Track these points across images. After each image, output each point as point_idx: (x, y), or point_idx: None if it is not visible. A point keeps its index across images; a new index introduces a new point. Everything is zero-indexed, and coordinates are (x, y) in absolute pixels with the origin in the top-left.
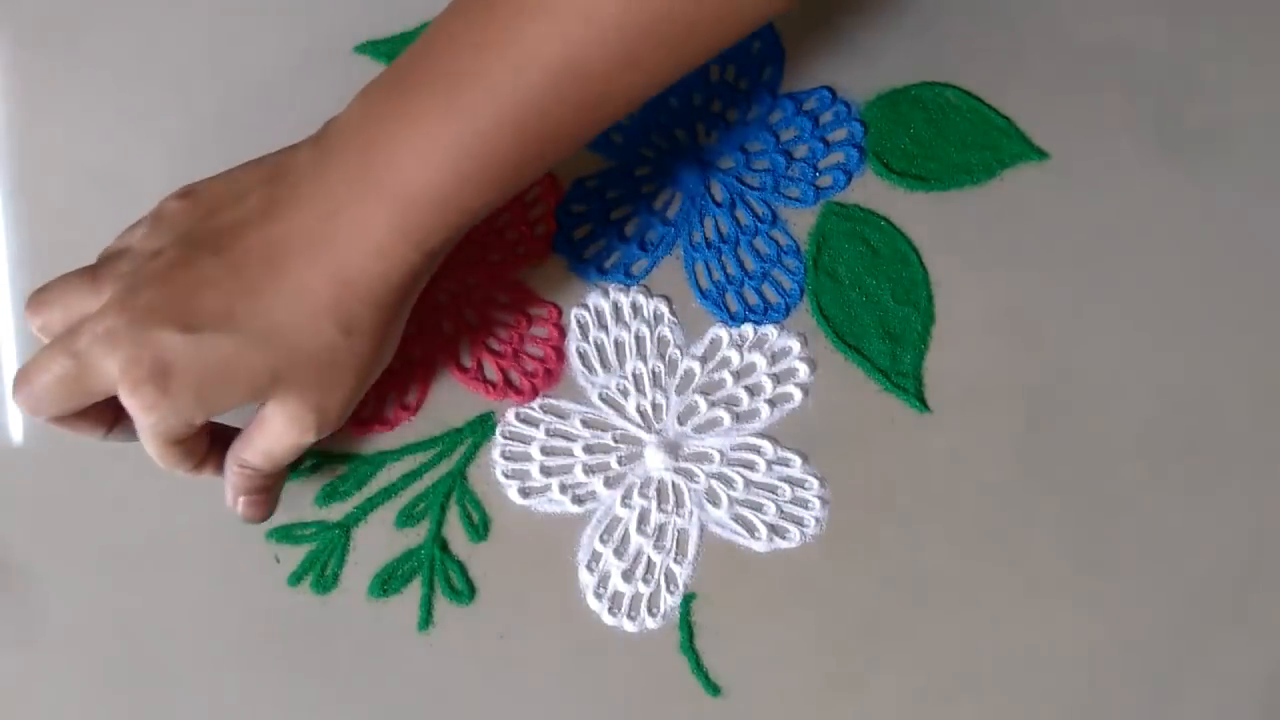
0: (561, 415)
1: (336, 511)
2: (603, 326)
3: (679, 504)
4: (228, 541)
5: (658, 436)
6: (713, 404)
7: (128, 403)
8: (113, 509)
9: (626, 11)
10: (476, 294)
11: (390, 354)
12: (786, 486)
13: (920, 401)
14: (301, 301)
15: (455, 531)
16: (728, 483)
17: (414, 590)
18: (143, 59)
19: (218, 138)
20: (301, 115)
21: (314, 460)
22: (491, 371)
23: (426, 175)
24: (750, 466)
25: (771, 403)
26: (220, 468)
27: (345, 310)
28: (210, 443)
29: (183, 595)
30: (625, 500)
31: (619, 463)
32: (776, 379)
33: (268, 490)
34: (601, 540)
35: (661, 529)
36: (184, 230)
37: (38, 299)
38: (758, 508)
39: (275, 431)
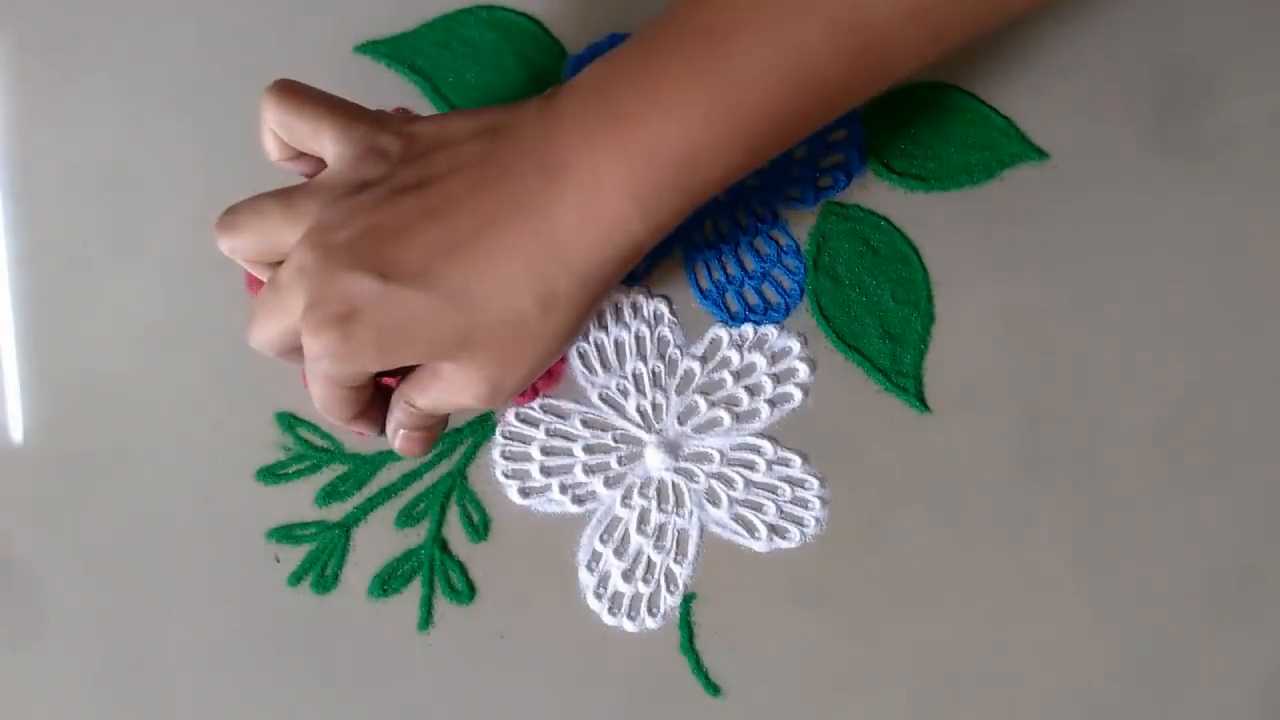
0: (561, 415)
1: (336, 511)
2: (602, 326)
3: (679, 504)
4: (228, 542)
5: (658, 436)
6: (713, 404)
7: (307, 342)
8: (113, 509)
9: None
10: None
11: (577, 338)
12: (786, 486)
13: (920, 401)
14: (503, 266)
15: (455, 531)
16: (728, 483)
17: (414, 590)
18: (143, 59)
19: (218, 137)
20: None
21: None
22: None
23: (674, 129)
24: (750, 466)
25: (771, 403)
26: (373, 424)
27: (548, 282)
28: (372, 395)
29: (183, 595)
30: (625, 500)
31: (619, 463)
32: (776, 379)
33: (430, 430)
34: (601, 540)
35: (661, 529)
36: (392, 168)
37: (229, 221)
38: (758, 508)
39: (446, 387)
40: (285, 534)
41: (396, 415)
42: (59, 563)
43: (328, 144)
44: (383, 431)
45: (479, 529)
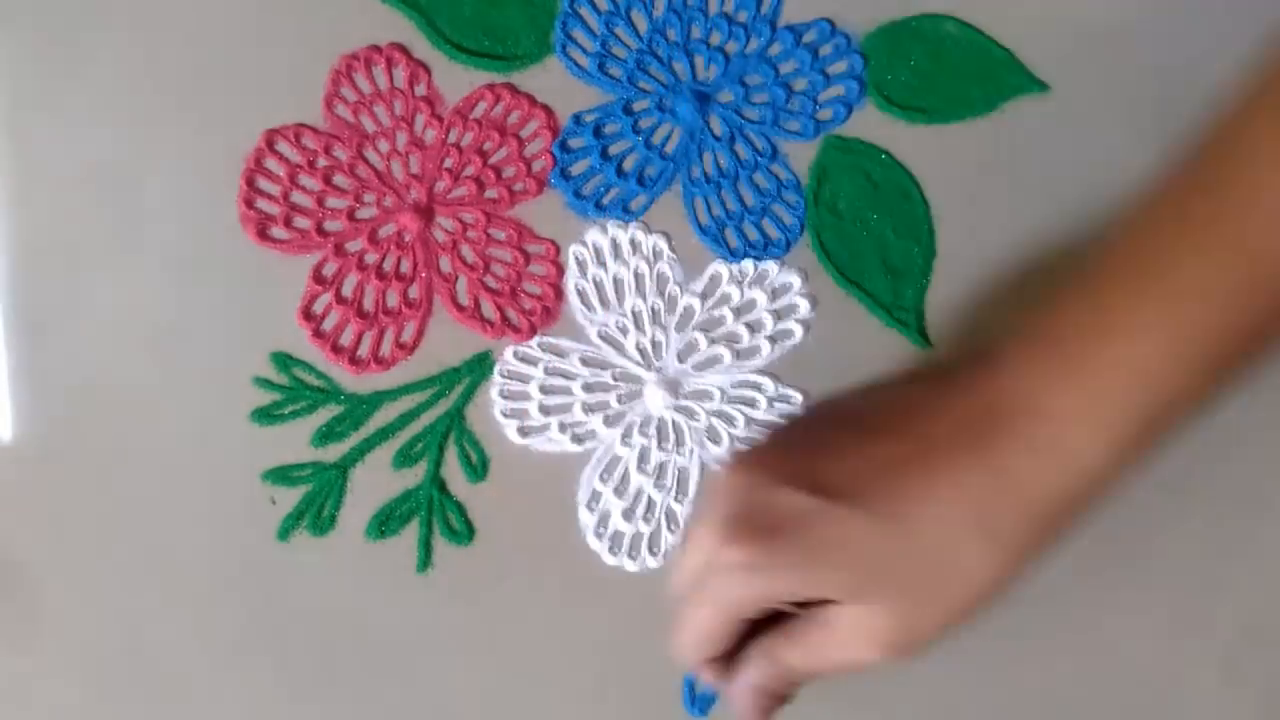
0: (560, 353)
1: (333, 452)
2: (601, 263)
3: (679, 442)
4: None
5: (657, 374)
6: (713, 341)
7: (722, 553)
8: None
9: None
10: (473, 231)
11: (1008, 586)
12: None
13: (922, 337)
14: (943, 489)
15: (453, 472)
16: (728, 420)
17: (412, 531)
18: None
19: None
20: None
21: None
22: (489, 310)
23: (1127, 354)
24: (751, 404)
25: (772, 339)
26: (722, 674)
27: (991, 513)
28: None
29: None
30: (625, 439)
31: (619, 401)
32: (777, 315)
33: (784, 700)
34: (601, 479)
35: (662, 467)
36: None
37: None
38: None
39: (839, 638)
40: (281, 475)
41: (754, 675)
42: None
43: None
44: (725, 682)
45: (478, 469)
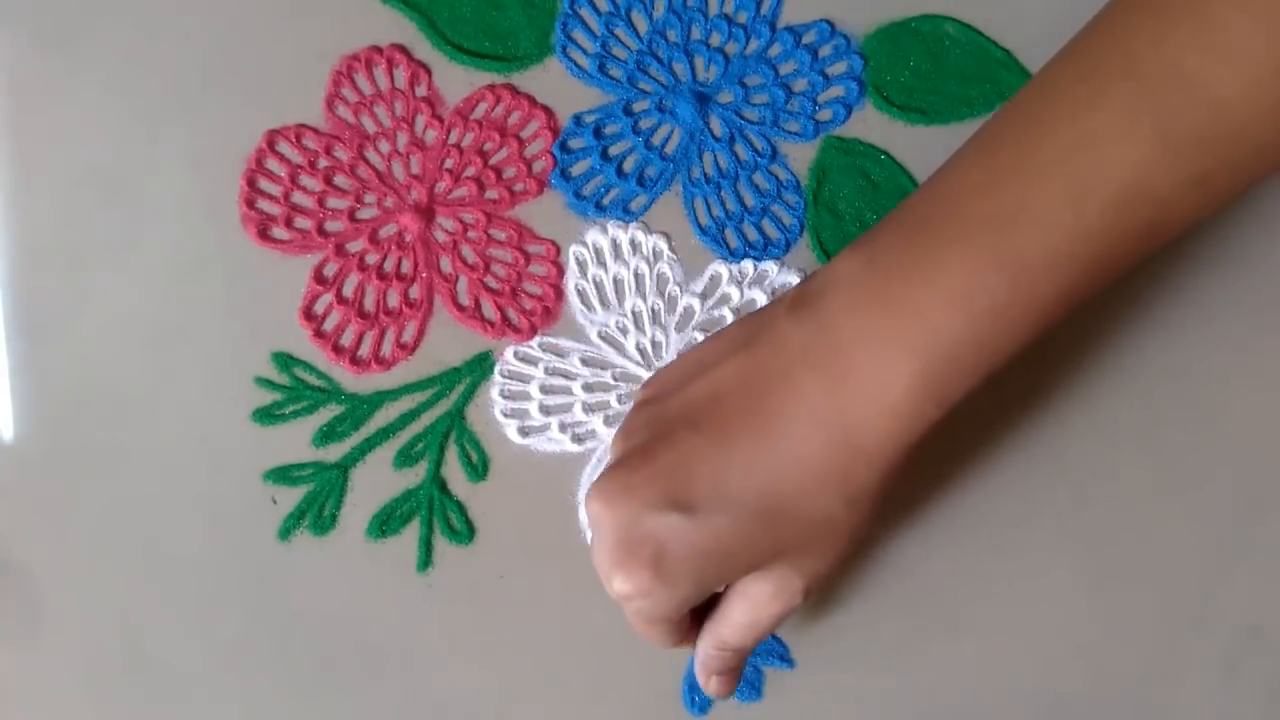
0: (560, 353)
1: (334, 452)
2: (601, 263)
3: None
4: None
5: None
6: None
7: (618, 587)
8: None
9: (1202, 128)
10: (474, 232)
11: (875, 521)
12: None
13: None
14: (805, 473)
15: (454, 471)
16: None
17: (413, 531)
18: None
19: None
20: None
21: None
22: (489, 310)
23: (961, 326)
24: None
25: None
26: (694, 638)
27: (853, 478)
28: (689, 614)
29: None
30: None
31: (619, 401)
32: None
33: (739, 667)
34: None
35: None
36: (654, 412)
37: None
38: None
39: (760, 603)
40: (282, 475)
41: (705, 663)
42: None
43: None
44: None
45: (478, 469)
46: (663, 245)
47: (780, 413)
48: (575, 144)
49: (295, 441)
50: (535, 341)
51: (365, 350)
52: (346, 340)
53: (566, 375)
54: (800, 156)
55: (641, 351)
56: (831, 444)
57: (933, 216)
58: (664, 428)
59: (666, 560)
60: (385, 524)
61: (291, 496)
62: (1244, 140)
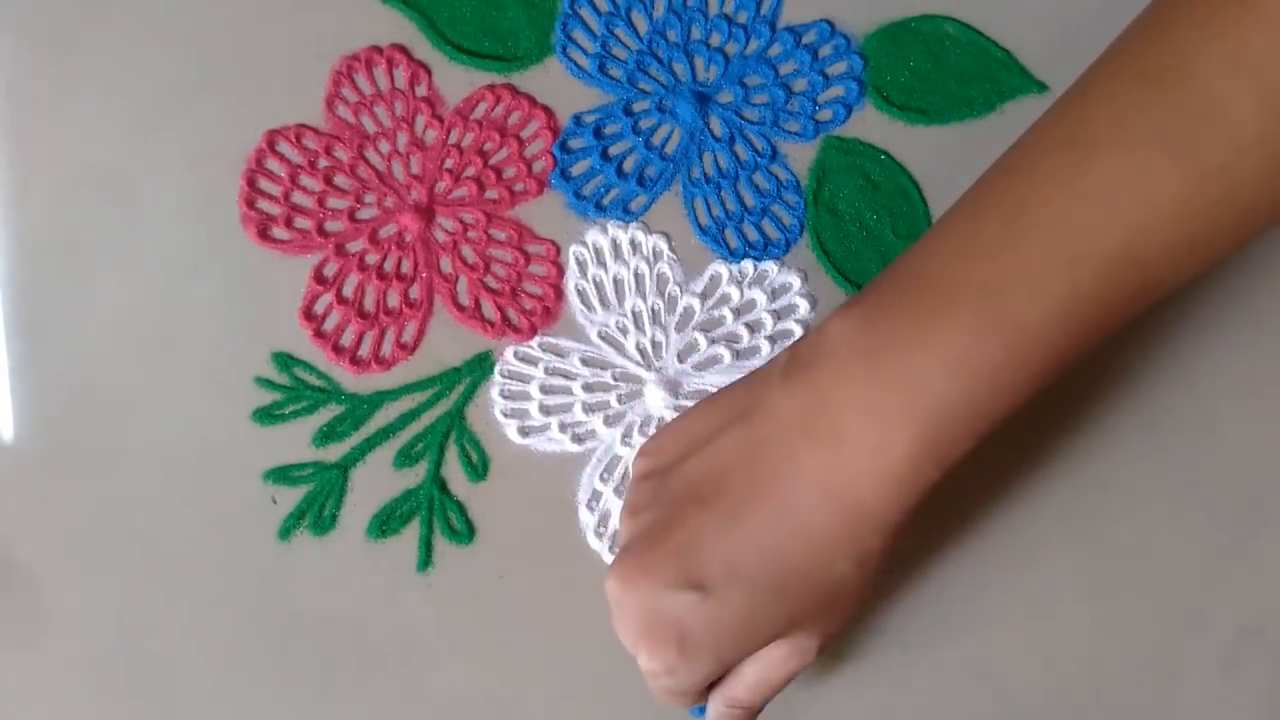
0: (560, 353)
1: (334, 452)
2: (601, 263)
3: None
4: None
5: (657, 374)
6: (713, 341)
7: (648, 667)
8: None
9: (1189, 194)
10: (474, 232)
11: (882, 575)
12: None
13: None
14: (813, 543)
15: (454, 471)
16: None
17: (413, 531)
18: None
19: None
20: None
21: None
22: (490, 310)
23: (957, 392)
24: None
25: (772, 339)
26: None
27: (860, 543)
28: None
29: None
30: (625, 439)
31: (619, 401)
32: (777, 315)
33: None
34: (601, 479)
35: None
36: (657, 487)
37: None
38: None
39: (774, 664)
40: (282, 475)
41: (713, 715)
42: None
43: None
44: None
45: (478, 469)
46: (663, 245)
47: (783, 484)
48: (575, 144)
49: (295, 441)
50: (535, 341)
51: (365, 350)
52: (346, 340)
53: (566, 375)
54: (800, 156)
55: (641, 351)
56: (835, 512)
57: (926, 281)
58: (671, 505)
59: (689, 640)
60: (385, 524)
61: (291, 496)
62: (1231, 205)
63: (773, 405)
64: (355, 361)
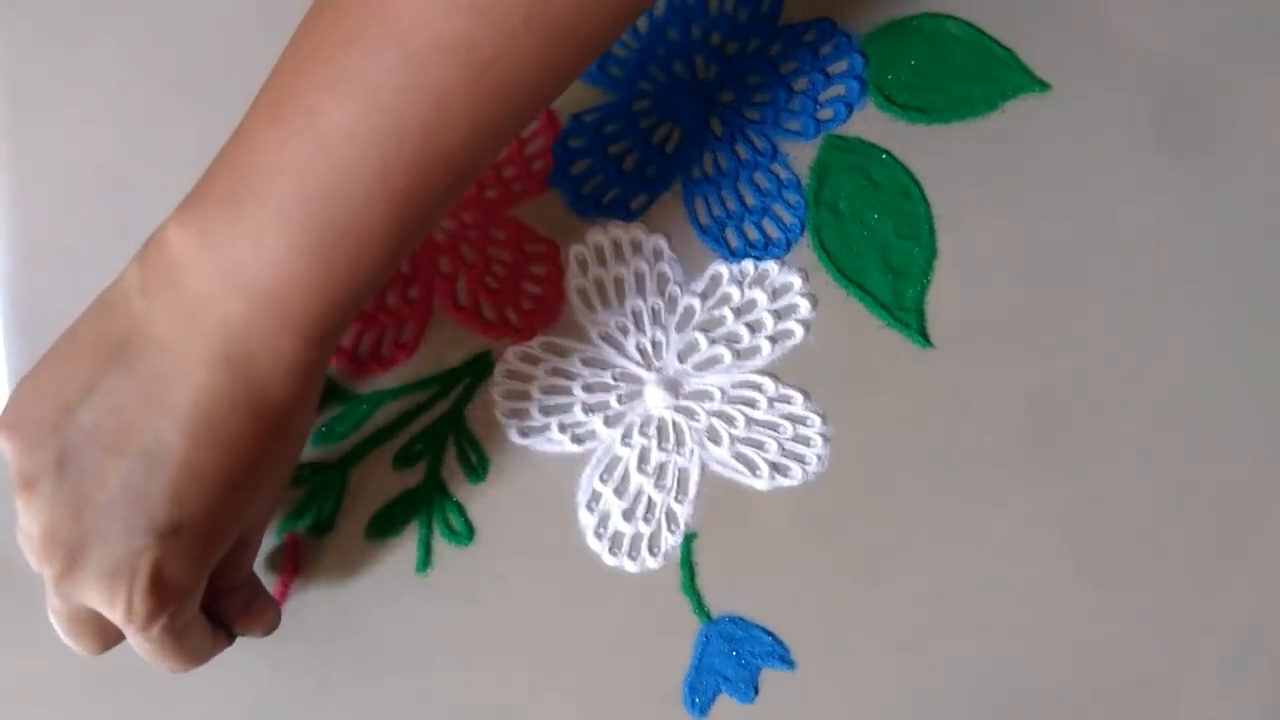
0: (560, 353)
1: (333, 452)
2: (601, 263)
3: (679, 442)
4: None
5: (658, 374)
6: (713, 341)
7: (116, 617)
8: None
9: (469, 87)
10: (473, 231)
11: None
12: (788, 424)
13: (923, 337)
14: (239, 446)
15: (454, 472)
16: (729, 420)
17: (412, 531)
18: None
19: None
20: None
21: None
22: (489, 310)
23: (315, 287)
24: (751, 404)
25: (772, 339)
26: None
27: (279, 431)
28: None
29: None
30: (625, 439)
31: (619, 401)
32: (777, 315)
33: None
34: (601, 480)
35: (662, 468)
36: (53, 452)
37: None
38: (759, 445)
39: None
40: None
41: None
42: None
43: None
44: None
45: (477, 469)
46: (663, 245)
47: (189, 406)
48: (575, 143)
49: None
50: (535, 341)
51: (364, 350)
52: (346, 340)
53: (566, 375)
54: (801, 155)
55: (641, 351)
56: (252, 418)
57: (250, 193)
58: (79, 465)
59: (172, 584)
60: (385, 524)
61: (291, 496)
62: (511, 87)
63: (149, 333)
64: (355, 361)
